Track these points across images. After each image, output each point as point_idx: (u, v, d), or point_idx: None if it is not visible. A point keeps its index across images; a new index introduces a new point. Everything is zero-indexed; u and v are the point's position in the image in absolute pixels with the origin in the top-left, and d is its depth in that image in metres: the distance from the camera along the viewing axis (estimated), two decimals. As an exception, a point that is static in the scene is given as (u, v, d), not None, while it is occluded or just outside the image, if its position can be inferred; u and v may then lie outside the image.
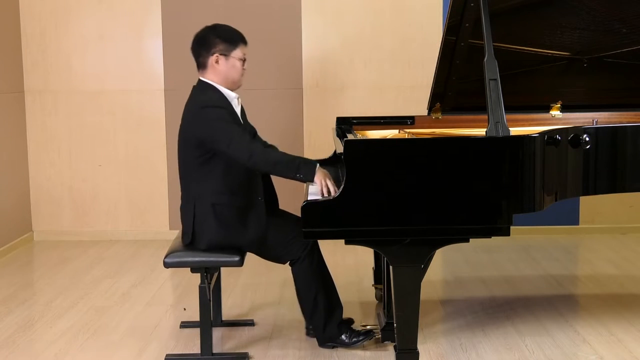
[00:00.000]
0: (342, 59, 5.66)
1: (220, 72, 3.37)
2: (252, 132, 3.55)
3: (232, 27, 3.44)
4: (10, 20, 5.55)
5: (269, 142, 3.68)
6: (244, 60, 3.42)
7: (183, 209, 3.48)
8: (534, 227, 5.72)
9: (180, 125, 3.45)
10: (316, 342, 3.54)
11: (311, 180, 3.22)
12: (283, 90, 5.66)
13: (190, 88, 5.85)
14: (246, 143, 3.23)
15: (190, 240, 3.42)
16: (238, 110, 3.43)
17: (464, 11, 3.62)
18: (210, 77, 3.39)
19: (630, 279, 4.65)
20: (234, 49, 3.38)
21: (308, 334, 3.68)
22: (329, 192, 3.16)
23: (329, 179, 3.21)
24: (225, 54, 3.36)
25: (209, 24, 3.49)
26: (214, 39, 3.37)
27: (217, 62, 3.36)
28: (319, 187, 3.18)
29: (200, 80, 3.43)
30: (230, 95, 3.39)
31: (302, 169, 3.21)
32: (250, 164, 3.24)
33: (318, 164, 3.25)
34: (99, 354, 3.55)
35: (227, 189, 3.34)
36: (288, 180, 3.71)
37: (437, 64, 3.87)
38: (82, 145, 5.75)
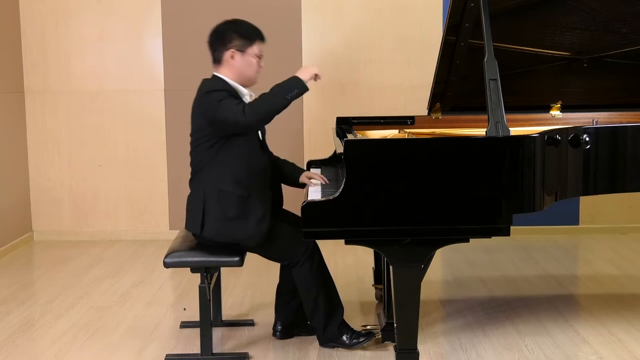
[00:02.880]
0: (342, 59, 5.66)
1: (235, 67, 3.35)
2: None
3: (251, 24, 3.40)
4: (10, 20, 5.55)
5: (269, 141, 3.65)
6: (260, 57, 3.39)
7: (192, 200, 3.43)
8: (534, 227, 5.72)
9: (192, 119, 3.40)
10: (316, 342, 3.54)
11: (306, 88, 3.20)
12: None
13: (190, 88, 5.84)
14: (235, 105, 3.17)
15: (193, 228, 3.40)
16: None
17: (464, 11, 3.62)
18: (224, 73, 3.36)
19: (630, 279, 4.65)
20: (251, 46, 3.35)
21: (274, 334, 3.68)
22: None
23: (309, 68, 3.22)
24: (242, 50, 3.34)
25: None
26: (231, 34, 3.34)
27: (232, 57, 3.34)
28: (312, 74, 3.21)
29: (214, 75, 3.40)
30: (242, 91, 3.37)
31: (291, 90, 3.17)
32: (249, 122, 3.17)
33: (296, 76, 3.22)
34: (99, 354, 3.55)
35: (232, 177, 3.31)
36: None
37: (437, 64, 3.87)
38: (82, 145, 5.75)
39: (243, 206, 3.34)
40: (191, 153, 3.44)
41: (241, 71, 3.36)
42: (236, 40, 3.34)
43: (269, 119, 3.22)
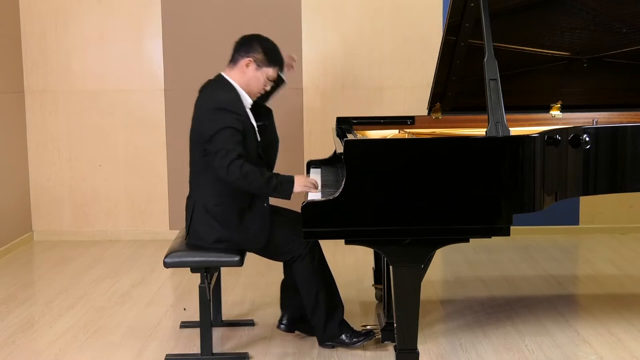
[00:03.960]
0: (342, 59, 5.66)
1: (245, 76, 3.41)
2: (256, 149, 3.45)
3: (279, 49, 3.47)
4: (10, 20, 5.55)
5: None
6: (270, 81, 3.47)
7: (187, 206, 3.49)
8: (534, 227, 5.72)
9: (192, 122, 3.44)
10: (316, 342, 3.54)
11: (288, 198, 3.26)
12: (282, 90, 5.64)
13: (190, 88, 5.84)
14: (230, 159, 3.21)
15: (193, 238, 3.43)
16: (252, 118, 3.43)
17: (464, 11, 3.62)
18: (233, 76, 3.42)
19: (630, 279, 4.65)
20: (268, 67, 3.42)
21: (279, 326, 3.68)
22: (316, 187, 3.26)
23: (306, 181, 3.26)
24: (259, 65, 3.41)
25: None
26: (257, 46, 3.42)
27: (247, 66, 3.40)
28: (304, 191, 3.24)
29: (220, 76, 3.45)
30: (247, 99, 3.42)
31: (278, 190, 3.25)
32: (226, 178, 3.25)
33: (294, 177, 3.27)
34: (99, 354, 3.55)
35: (228, 190, 3.34)
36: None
37: (437, 64, 3.87)
38: (82, 145, 5.75)
39: (242, 218, 3.37)
40: (190, 154, 3.47)
41: (248, 82, 3.42)
42: (258, 55, 3.41)
43: (243, 189, 3.28)
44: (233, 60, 3.45)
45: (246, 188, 3.27)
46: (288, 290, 3.65)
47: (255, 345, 3.61)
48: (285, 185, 3.26)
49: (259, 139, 3.45)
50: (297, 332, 3.68)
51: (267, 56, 3.42)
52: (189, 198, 3.50)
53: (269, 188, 3.25)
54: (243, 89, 3.42)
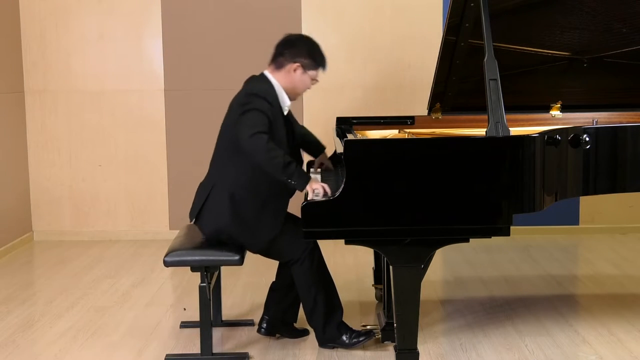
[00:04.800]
0: (342, 59, 5.66)
1: (291, 80, 3.41)
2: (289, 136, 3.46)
3: (322, 50, 3.47)
4: (10, 20, 5.55)
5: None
6: (315, 81, 3.49)
7: (201, 187, 3.48)
8: (534, 227, 5.72)
9: (228, 109, 3.44)
10: (316, 342, 3.54)
11: (301, 190, 3.23)
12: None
13: (190, 88, 5.84)
14: (255, 131, 3.18)
15: (196, 219, 3.44)
16: (285, 113, 3.43)
17: (464, 11, 3.63)
18: (278, 78, 3.42)
19: (630, 279, 4.65)
20: (314, 69, 3.44)
21: (259, 330, 3.68)
22: (325, 193, 3.18)
23: (321, 184, 3.21)
24: (305, 69, 3.41)
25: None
26: (303, 50, 3.41)
27: (295, 70, 3.40)
28: (311, 193, 3.20)
29: (263, 74, 3.45)
30: (286, 101, 3.42)
31: (295, 177, 3.19)
32: (247, 145, 3.20)
33: (311, 177, 3.25)
34: (99, 354, 3.56)
35: (251, 185, 3.34)
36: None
37: (437, 64, 3.87)
38: (82, 145, 5.75)
39: (257, 216, 3.37)
40: (217, 142, 3.47)
41: (295, 85, 3.43)
42: (306, 59, 3.41)
43: (257, 161, 3.22)
44: (277, 63, 3.43)
45: (265, 163, 3.19)
46: (277, 291, 3.66)
47: (255, 345, 3.61)
48: (302, 177, 3.21)
49: (289, 138, 3.45)
50: (277, 335, 3.68)
51: (313, 60, 3.42)
52: (207, 181, 3.47)
53: (287, 170, 3.17)
54: (286, 91, 3.42)
